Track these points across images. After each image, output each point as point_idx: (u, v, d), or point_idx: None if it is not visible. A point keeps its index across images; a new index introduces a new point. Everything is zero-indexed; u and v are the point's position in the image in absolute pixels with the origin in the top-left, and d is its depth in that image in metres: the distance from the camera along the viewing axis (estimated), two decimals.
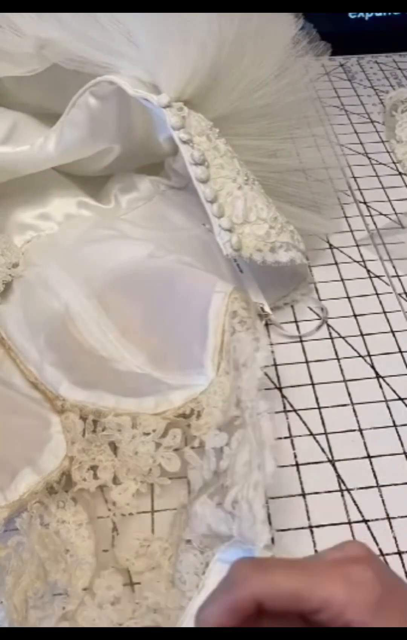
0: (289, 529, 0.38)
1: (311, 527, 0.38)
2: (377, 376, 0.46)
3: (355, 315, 0.50)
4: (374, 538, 0.38)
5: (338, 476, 0.40)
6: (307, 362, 0.47)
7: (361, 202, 0.59)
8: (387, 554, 0.37)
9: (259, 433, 0.32)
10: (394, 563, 0.37)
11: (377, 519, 0.38)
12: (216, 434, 0.36)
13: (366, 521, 0.38)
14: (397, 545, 0.37)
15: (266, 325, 0.48)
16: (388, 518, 0.38)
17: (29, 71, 0.47)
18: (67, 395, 0.41)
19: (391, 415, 0.43)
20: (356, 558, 0.24)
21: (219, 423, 0.38)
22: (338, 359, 0.47)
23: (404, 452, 0.41)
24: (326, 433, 0.43)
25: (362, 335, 0.48)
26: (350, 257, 0.54)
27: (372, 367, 0.46)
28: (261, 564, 0.24)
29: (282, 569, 0.23)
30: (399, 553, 0.37)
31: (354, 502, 0.39)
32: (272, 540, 0.37)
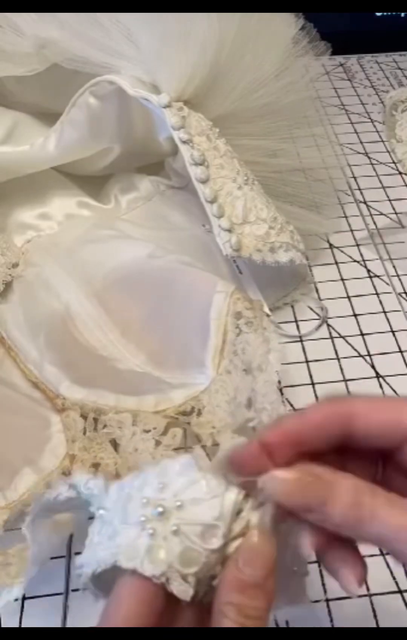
0: None
1: None
2: (377, 376, 0.46)
3: (355, 315, 0.50)
4: None
5: None
6: (307, 361, 0.47)
7: (361, 202, 0.59)
8: (387, 554, 0.37)
9: None
10: (394, 563, 0.37)
11: None
12: (232, 436, 0.36)
13: None
14: None
15: None
16: None
17: (29, 71, 0.47)
18: (68, 393, 0.41)
19: None
20: None
21: (231, 426, 0.38)
22: (338, 359, 0.47)
23: None
24: None
25: (362, 334, 0.48)
26: (350, 256, 0.54)
27: (372, 366, 0.46)
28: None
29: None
30: None
31: None
32: None
